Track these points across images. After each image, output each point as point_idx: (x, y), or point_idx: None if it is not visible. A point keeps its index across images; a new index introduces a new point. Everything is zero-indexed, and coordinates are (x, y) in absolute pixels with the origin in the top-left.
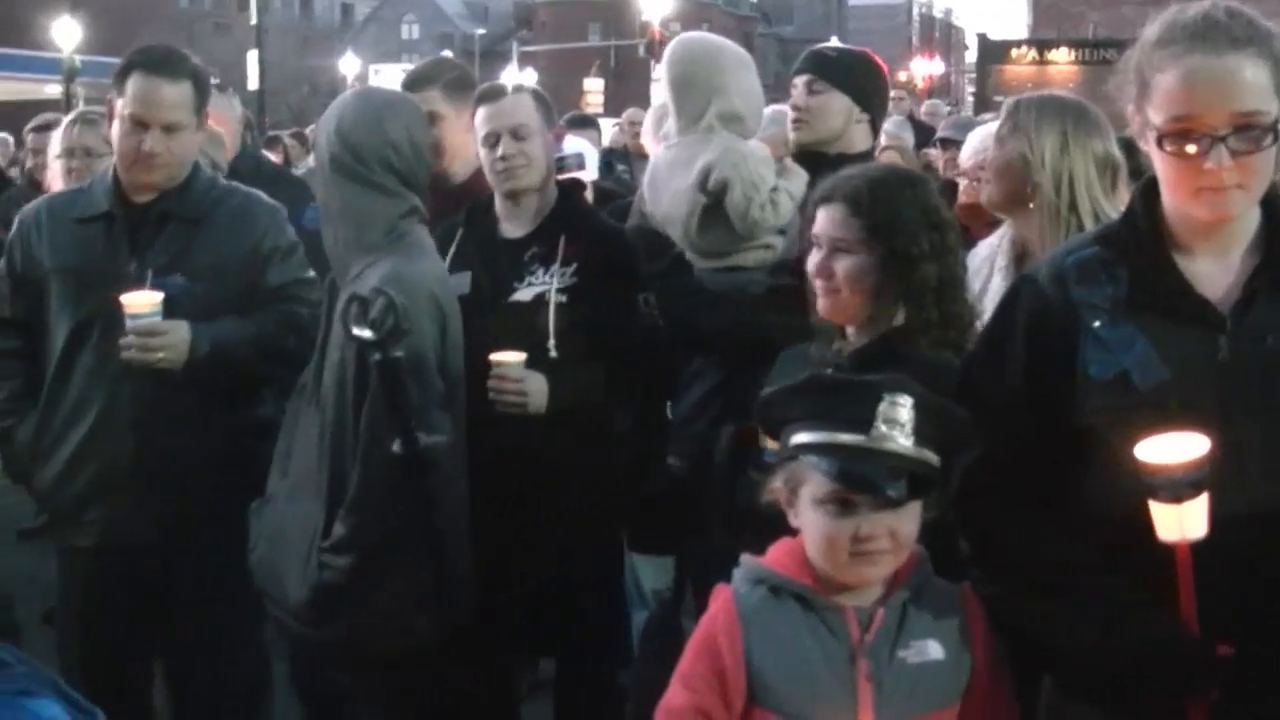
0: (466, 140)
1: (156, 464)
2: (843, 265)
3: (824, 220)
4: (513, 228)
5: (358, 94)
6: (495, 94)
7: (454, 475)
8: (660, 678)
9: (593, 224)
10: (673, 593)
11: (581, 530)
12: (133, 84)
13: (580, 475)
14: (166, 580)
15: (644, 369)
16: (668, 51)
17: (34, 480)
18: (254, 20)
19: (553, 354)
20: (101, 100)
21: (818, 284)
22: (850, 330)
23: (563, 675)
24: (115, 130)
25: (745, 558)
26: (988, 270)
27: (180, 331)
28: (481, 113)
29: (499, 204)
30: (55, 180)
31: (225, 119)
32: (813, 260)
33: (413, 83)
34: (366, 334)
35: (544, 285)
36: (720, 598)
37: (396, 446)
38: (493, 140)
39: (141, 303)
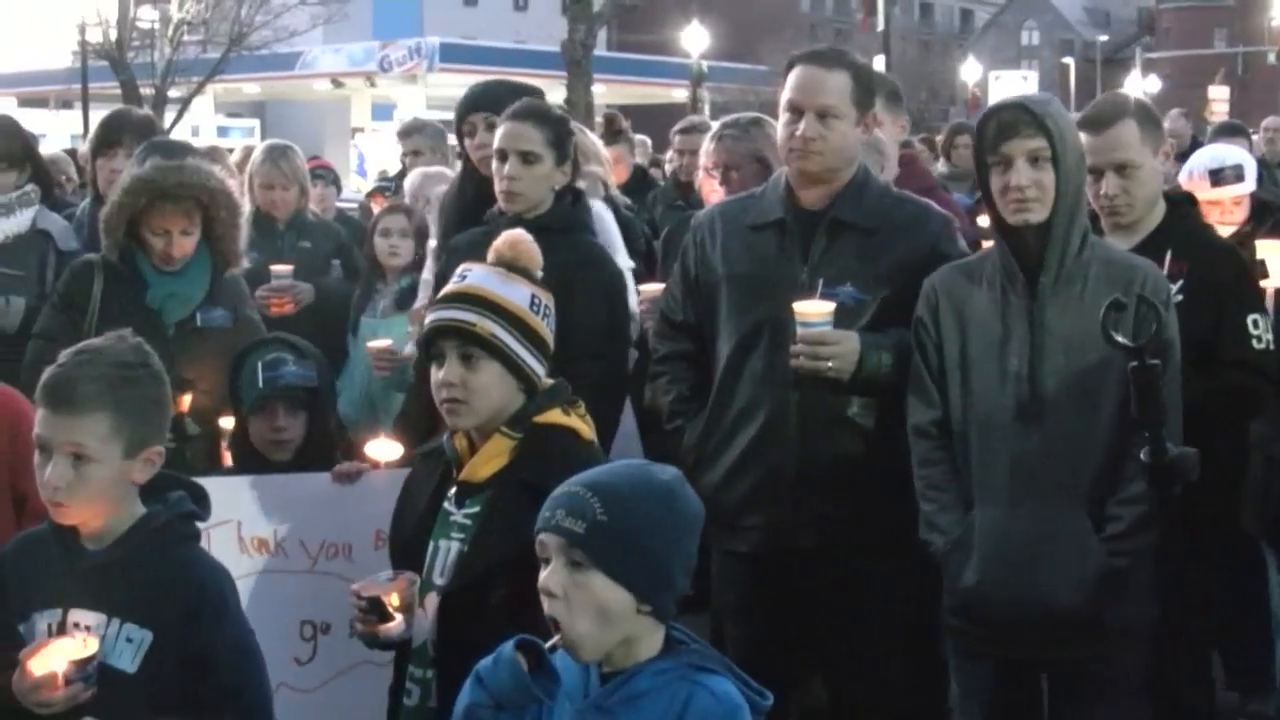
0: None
1: (821, 472)
2: None
3: None
4: (1115, 240)
5: None
6: (1097, 125)
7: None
8: None
9: (1202, 240)
10: None
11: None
12: (793, 75)
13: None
14: (825, 586)
15: (1253, 387)
16: None
17: (696, 484)
18: (881, 25)
19: None
20: (727, 107)
21: None
22: None
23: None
24: (779, 130)
25: None
26: None
27: (850, 342)
28: (1083, 142)
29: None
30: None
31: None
32: None
33: None
34: (1124, 340)
35: None
36: None
37: (1144, 456)
38: (1096, 175)
39: (814, 312)
